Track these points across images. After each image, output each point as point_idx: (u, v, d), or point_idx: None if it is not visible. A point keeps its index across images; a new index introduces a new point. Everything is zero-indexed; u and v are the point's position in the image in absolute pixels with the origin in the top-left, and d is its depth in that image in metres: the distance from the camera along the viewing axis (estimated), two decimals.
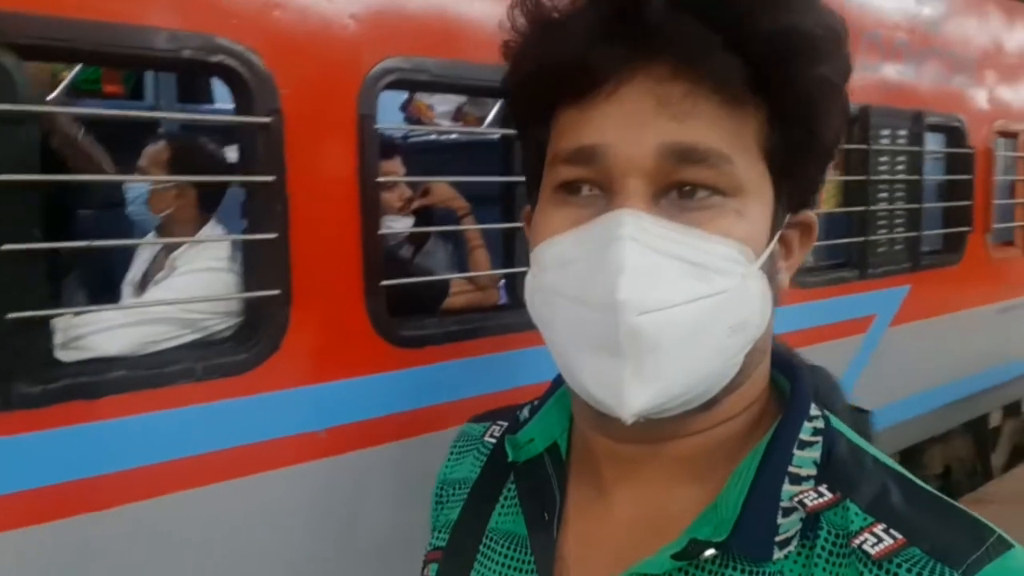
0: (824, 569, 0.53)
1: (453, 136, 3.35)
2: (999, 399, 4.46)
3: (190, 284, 1.78)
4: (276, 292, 1.75)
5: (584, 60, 0.53)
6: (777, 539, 0.54)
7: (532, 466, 0.66)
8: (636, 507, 0.61)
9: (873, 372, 3.38)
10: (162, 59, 1.64)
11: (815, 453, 0.57)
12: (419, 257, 2.31)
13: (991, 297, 4.19)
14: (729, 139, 0.53)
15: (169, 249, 1.96)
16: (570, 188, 0.57)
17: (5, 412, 1.46)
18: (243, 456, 1.74)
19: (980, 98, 4.11)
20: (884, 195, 3.40)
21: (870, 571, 0.51)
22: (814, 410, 0.60)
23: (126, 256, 2.23)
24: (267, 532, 1.79)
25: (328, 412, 1.85)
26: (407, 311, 2.05)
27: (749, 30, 0.51)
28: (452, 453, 0.78)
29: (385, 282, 1.92)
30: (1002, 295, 4.29)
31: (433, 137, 3.14)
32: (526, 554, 0.63)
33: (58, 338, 1.59)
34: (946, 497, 0.56)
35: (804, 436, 0.58)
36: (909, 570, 0.50)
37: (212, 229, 1.97)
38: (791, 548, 0.54)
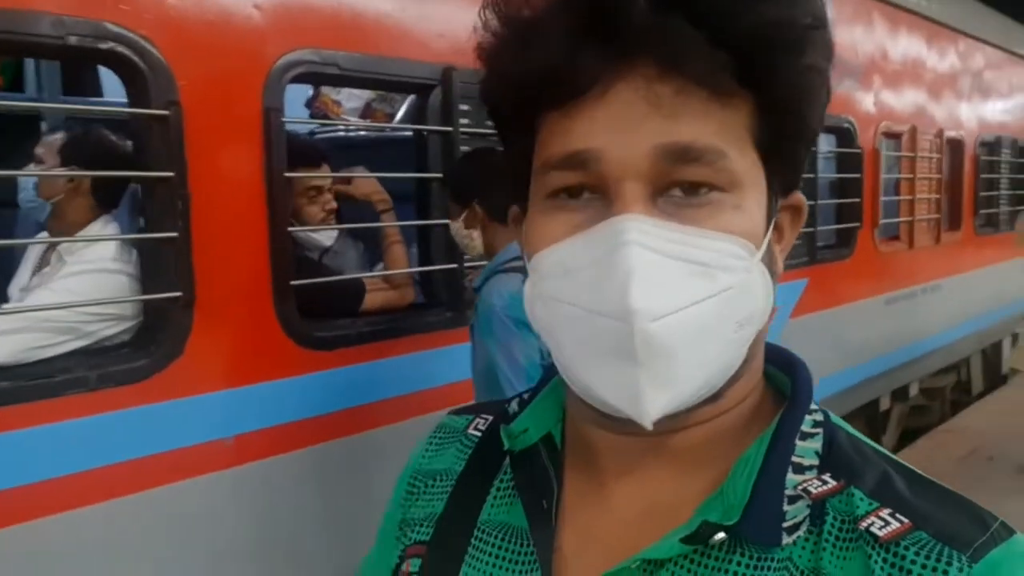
0: (832, 554, 0.53)
1: (362, 133, 3.28)
2: (888, 384, 4.72)
3: (77, 286, 1.66)
4: (177, 294, 1.66)
5: (569, 63, 0.52)
6: (785, 525, 0.54)
7: (527, 456, 0.65)
8: (636, 498, 0.60)
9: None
10: (47, 46, 1.53)
11: (816, 444, 0.58)
12: (327, 257, 2.23)
13: (880, 289, 4.44)
14: (721, 133, 0.53)
15: (56, 245, 1.82)
16: (563, 193, 0.55)
17: None
18: (144, 468, 1.64)
19: (867, 101, 4.34)
20: None
21: (878, 553, 0.52)
22: (813, 403, 0.61)
23: (14, 260, 2.07)
24: (174, 548, 1.69)
25: (235, 418, 1.77)
26: (323, 313, 1.98)
27: (734, 25, 0.51)
28: (431, 444, 0.75)
29: (295, 282, 1.85)
30: (889, 287, 4.54)
31: (342, 134, 3.06)
32: (522, 545, 0.62)
33: None
34: (947, 486, 0.56)
35: (805, 428, 0.59)
36: (917, 553, 0.51)
37: (104, 226, 1.84)
38: (800, 533, 0.54)
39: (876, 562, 0.51)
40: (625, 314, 0.51)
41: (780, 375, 0.63)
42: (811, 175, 3.68)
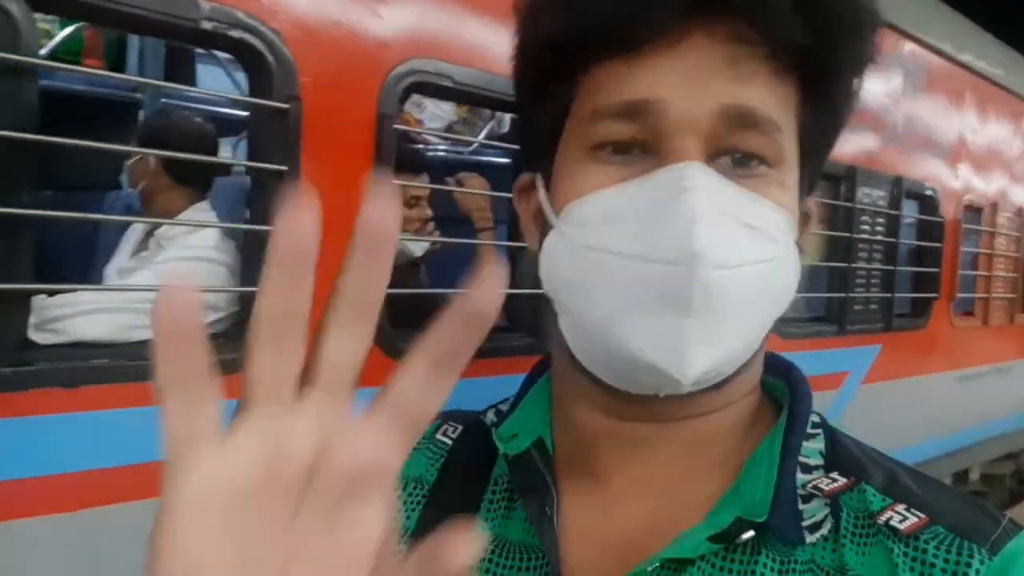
0: (852, 550, 0.52)
1: (443, 153, 3.27)
2: (951, 465, 4.52)
3: (177, 271, 1.64)
4: None
5: (642, 10, 0.50)
6: (805, 524, 0.53)
7: (521, 462, 0.62)
8: (641, 500, 0.58)
9: (846, 427, 3.38)
10: (179, 28, 1.53)
11: (819, 444, 0.58)
12: (423, 270, 2.20)
13: (951, 364, 4.28)
14: (778, 108, 0.52)
15: (153, 230, 1.81)
16: (611, 147, 0.53)
17: None
18: None
19: (951, 172, 4.24)
20: (864, 254, 3.44)
21: (899, 547, 0.51)
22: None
23: (114, 243, 2.07)
24: None
25: None
26: (408, 324, 1.94)
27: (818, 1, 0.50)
28: None
29: (389, 290, 1.81)
30: (961, 363, 4.38)
31: (431, 152, 3.06)
32: (523, 560, 0.58)
33: (33, 318, 1.44)
34: (947, 484, 0.57)
35: (806, 429, 0.59)
36: (937, 547, 0.50)
37: (200, 214, 1.82)
38: (824, 532, 0.53)
39: (898, 555, 0.51)
40: (688, 258, 0.48)
41: (773, 381, 0.63)
42: (892, 239, 3.58)
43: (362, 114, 1.76)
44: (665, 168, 0.51)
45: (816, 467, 0.57)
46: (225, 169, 1.99)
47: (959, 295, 4.25)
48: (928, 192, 3.97)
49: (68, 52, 2.57)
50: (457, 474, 0.65)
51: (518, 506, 0.61)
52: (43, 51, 2.46)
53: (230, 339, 1.65)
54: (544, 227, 0.58)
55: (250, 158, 1.69)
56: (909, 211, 3.94)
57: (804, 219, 0.60)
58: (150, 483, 1.29)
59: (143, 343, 1.55)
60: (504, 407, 0.68)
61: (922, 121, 3.89)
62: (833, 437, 0.59)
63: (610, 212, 0.52)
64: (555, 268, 0.56)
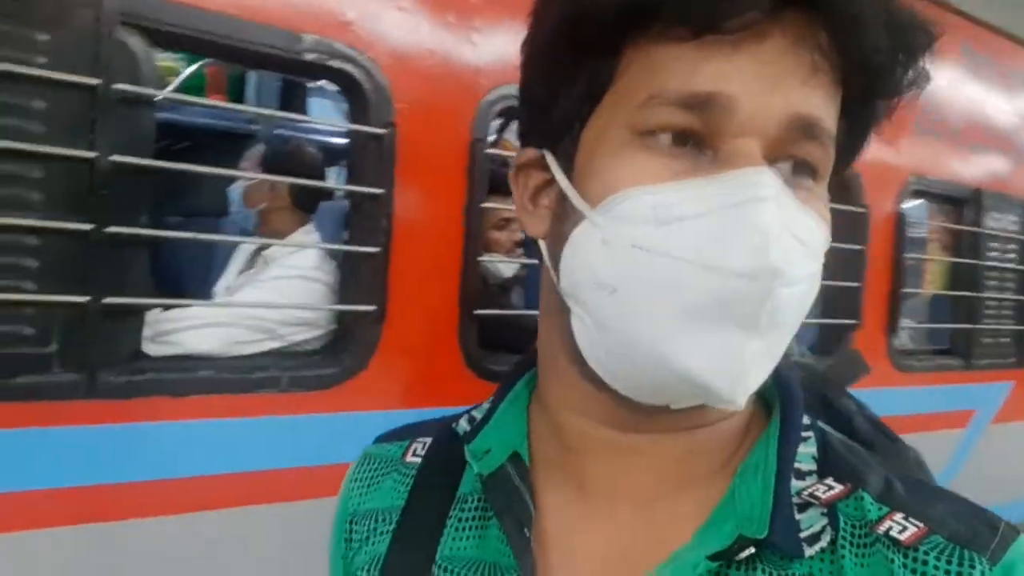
0: (852, 562, 0.50)
1: None
2: None
3: (278, 288, 1.72)
4: (371, 308, 1.68)
5: None
6: (803, 535, 0.51)
7: (496, 479, 0.58)
8: (629, 513, 0.55)
9: (972, 470, 3.13)
10: (283, 59, 1.62)
11: (812, 448, 0.55)
12: (512, 292, 2.22)
13: None
14: (833, 121, 0.50)
15: (261, 249, 1.92)
16: (666, 137, 0.48)
17: (90, 400, 1.40)
18: (319, 476, 1.64)
19: None
20: (994, 282, 3.20)
21: (899, 558, 0.49)
22: None
23: (221, 262, 2.21)
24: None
25: None
26: (496, 345, 1.95)
27: (896, 15, 0.47)
28: (358, 481, 0.67)
29: (479, 311, 1.83)
30: None
31: None
32: None
33: (147, 331, 1.54)
34: (944, 488, 0.55)
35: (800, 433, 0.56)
36: (938, 558, 0.49)
37: (306, 236, 1.92)
38: (823, 543, 0.51)
39: (899, 567, 0.49)
40: (763, 272, 0.45)
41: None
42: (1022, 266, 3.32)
43: (455, 139, 1.80)
44: (737, 171, 0.47)
45: (809, 472, 0.54)
46: (328, 193, 2.07)
47: None
48: None
49: (192, 88, 2.78)
50: (425, 496, 0.61)
51: (492, 524, 0.57)
52: (169, 88, 2.67)
53: (328, 355, 1.71)
54: (565, 215, 0.52)
55: (349, 182, 1.76)
56: None
57: None
58: (251, 491, 1.35)
59: (248, 356, 1.63)
60: (478, 414, 0.64)
61: None
62: (825, 440, 0.56)
63: (667, 210, 0.47)
64: (584, 265, 0.50)
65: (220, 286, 2.03)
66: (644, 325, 0.48)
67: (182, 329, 1.56)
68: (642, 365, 0.49)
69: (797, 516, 0.51)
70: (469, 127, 1.81)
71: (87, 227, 1.38)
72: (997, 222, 3.21)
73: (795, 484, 0.52)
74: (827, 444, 0.56)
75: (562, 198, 0.53)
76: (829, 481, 0.53)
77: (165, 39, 1.47)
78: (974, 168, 3.16)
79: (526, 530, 0.54)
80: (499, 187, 2.22)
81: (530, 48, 0.55)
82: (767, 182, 0.46)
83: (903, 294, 2.84)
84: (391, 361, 1.72)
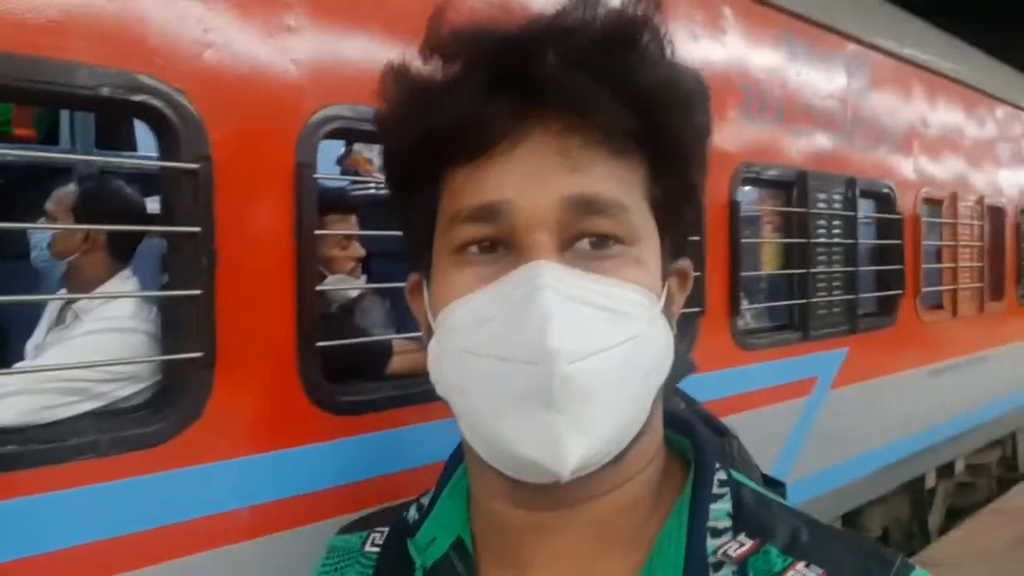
0: None
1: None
2: (934, 460, 4.50)
3: (91, 344, 1.59)
4: (198, 354, 1.58)
5: (480, 118, 0.54)
6: None
7: (440, 567, 0.64)
8: None
9: (817, 435, 3.35)
10: (80, 97, 1.49)
11: (727, 505, 0.59)
12: (357, 315, 2.17)
13: (923, 359, 4.27)
14: (623, 189, 0.56)
15: (72, 302, 1.77)
16: (474, 248, 0.56)
17: None
18: (156, 539, 1.53)
19: (907, 167, 4.25)
20: (823, 258, 3.43)
21: None
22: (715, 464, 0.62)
23: (34, 318, 2.02)
24: None
25: (255, 488, 1.67)
26: (349, 375, 1.89)
27: (634, 82, 0.54)
28: (323, 571, 0.72)
29: (321, 343, 1.76)
30: (933, 357, 4.37)
31: (373, 191, 3.02)
32: None
33: None
34: (846, 532, 0.63)
35: (713, 490, 0.60)
36: None
37: (122, 282, 1.78)
38: None
39: None
40: (544, 356, 0.51)
41: (678, 438, 0.64)
42: (851, 240, 3.57)
43: (279, 166, 1.72)
44: (518, 270, 0.54)
45: (725, 530, 0.58)
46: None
47: (925, 289, 4.25)
48: (885, 191, 3.97)
49: None
50: None
51: None
52: None
53: (154, 409, 1.60)
54: (429, 331, 0.61)
55: (163, 222, 1.65)
56: (866, 210, 3.94)
57: (681, 279, 0.64)
58: (61, 571, 1.23)
59: (59, 422, 1.50)
60: (425, 500, 0.69)
61: (873, 118, 3.90)
62: (740, 495, 0.60)
63: (476, 315, 0.55)
64: (440, 373, 0.59)
65: (30, 345, 1.86)
66: (483, 415, 0.55)
67: None
68: (492, 449, 0.56)
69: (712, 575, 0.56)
70: (293, 152, 1.74)
71: None
72: (823, 201, 3.44)
73: (711, 543, 0.57)
74: (741, 500, 0.60)
75: (427, 315, 0.62)
76: (741, 537, 0.58)
77: None
78: (799, 151, 3.36)
79: None
80: (339, 206, 2.16)
81: (386, 184, 0.64)
82: (543, 272, 0.52)
83: (742, 278, 2.98)
84: (227, 407, 1.63)
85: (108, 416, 1.57)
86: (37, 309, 2.00)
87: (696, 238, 2.72)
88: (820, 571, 0.55)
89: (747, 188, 3.23)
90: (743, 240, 2.98)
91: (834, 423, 3.50)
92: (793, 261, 3.31)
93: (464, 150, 0.56)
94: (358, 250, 2.13)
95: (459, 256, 0.57)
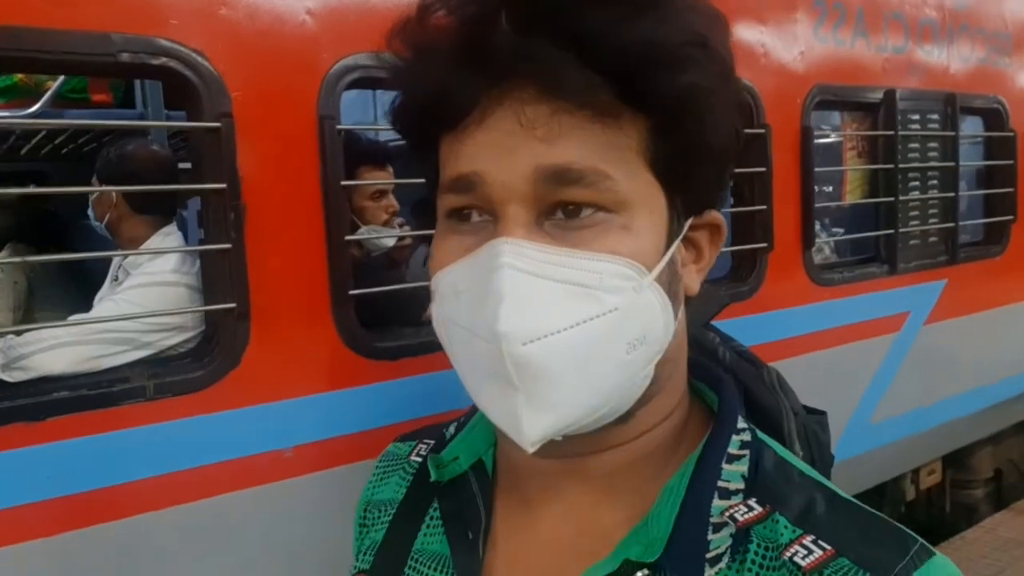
0: None
1: None
2: None
3: (137, 297, 1.70)
4: (232, 305, 1.66)
5: (449, 89, 0.54)
6: (708, 555, 0.54)
7: (456, 485, 0.66)
8: (563, 525, 0.61)
9: (910, 371, 3.17)
10: (102, 64, 1.57)
11: (743, 467, 0.58)
12: (402, 265, 2.21)
13: None
14: (604, 154, 0.53)
15: (123, 259, 1.89)
16: (459, 215, 0.57)
17: None
18: (201, 477, 1.65)
19: (1021, 78, 3.85)
20: (916, 184, 3.18)
21: None
22: (741, 422, 0.60)
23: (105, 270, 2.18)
24: (230, 557, 1.70)
25: (294, 430, 1.76)
26: (386, 320, 1.94)
27: (601, 46, 0.51)
28: (375, 474, 0.76)
29: (353, 291, 1.81)
30: None
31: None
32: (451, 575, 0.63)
33: (0, 359, 1.53)
34: (869, 508, 0.56)
35: (732, 450, 0.58)
36: None
37: (164, 239, 1.89)
38: (722, 565, 0.54)
39: None
40: (495, 337, 0.51)
41: (710, 392, 0.63)
42: (950, 163, 3.29)
43: (302, 119, 1.76)
44: (485, 245, 0.53)
45: (736, 492, 0.56)
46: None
47: None
48: (994, 106, 3.62)
49: (74, 91, 2.70)
50: (414, 495, 0.70)
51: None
52: (49, 92, 2.60)
53: (196, 357, 1.70)
54: None
55: (192, 180, 1.72)
56: (972, 129, 3.61)
57: (713, 232, 0.60)
58: (110, 508, 1.34)
59: (108, 370, 1.62)
60: (464, 419, 0.72)
61: (977, 25, 3.54)
62: (759, 459, 0.58)
63: (455, 287, 0.56)
64: (439, 332, 0.60)
65: (97, 299, 2.01)
66: (466, 380, 0.57)
67: (37, 352, 1.55)
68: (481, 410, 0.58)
69: (710, 536, 0.55)
70: (315, 105, 1.77)
71: None
72: (915, 122, 3.18)
73: (719, 503, 0.56)
74: (760, 464, 0.58)
75: None
76: (751, 502, 0.56)
77: None
78: (886, 68, 3.11)
79: (470, 533, 0.63)
80: (372, 158, 2.19)
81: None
82: (504, 250, 0.52)
83: (816, 209, 2.82)
84: (264, 354, 1.71)
85: (154, 364, 1.68)
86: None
87: (761, 169, 2.59)
88: (829, 548, 0.52)
89: (825, 112, 3.02)
90: (817, 169, 2.80)
91: (931, 359, 3.29)
92: (879, 189, 3.09)
93: (441, 122, 0.56)
94: (392, 203, 2.15)
95: (448, 223, 0.58)
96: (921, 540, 0.54)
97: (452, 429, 0.72)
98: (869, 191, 3.17)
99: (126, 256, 1.87)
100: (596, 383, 0.53)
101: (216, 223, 1.67)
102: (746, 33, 2.64)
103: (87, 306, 1.94)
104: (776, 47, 2.73)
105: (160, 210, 1.93)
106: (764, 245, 2.63)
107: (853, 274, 3.00)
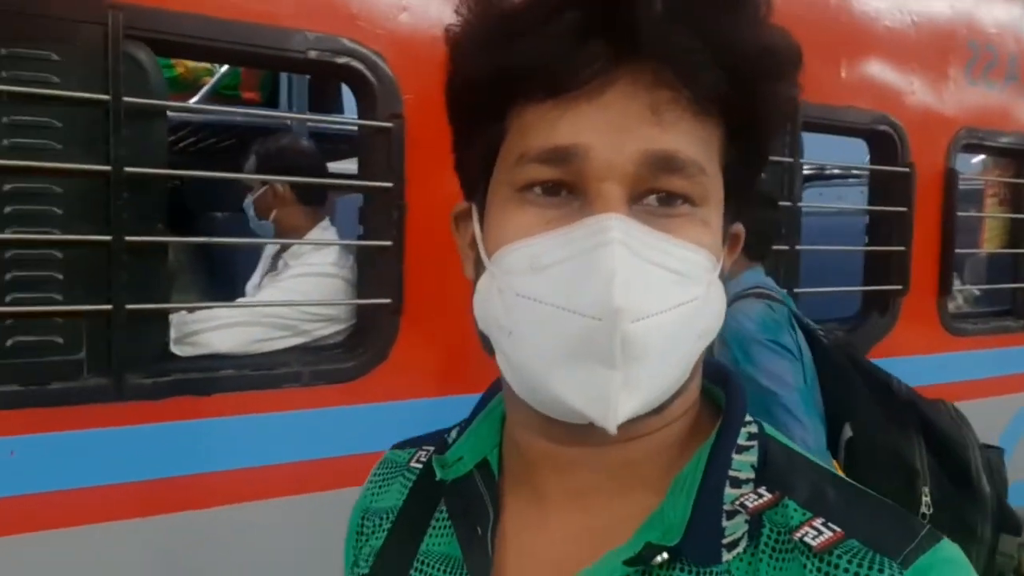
0: (769, 565, 0.54)
1: None
2: None
3: (300, 287, 1.77)
4: (387, 300, 1.70)
5: (570, 57, 0.52)
6: (724, 541, 0.55)
7: (462, 484, 0.65)
8: (576, 517, 0.60)
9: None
10: (287, 59, 1.64)
11: (752, 457, 0.59)
12: None
13: None
14: (702, 149, 0.54)
15: (284, 250, 1.96)
16: (544, 188, 0.55)
17: (119, 403, 1.47)
18: (346, 467, 1.69)
19: None
20: None
21: (812, 563, 0.52)
22: (747, 416, 0.62)
23: (254, 260, 2.27)
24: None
25: (433, 427, 1.78)
26: None
27: (738, 46, 0.52)
28: (373, 481, 0.75)
29: None
30: None
31: None
32: (461, 574, 0.62)
33: (173, 333, 1.60)
34: (876, 494, 0.58)
35: (740, 441, 0.59)
36: (850, 561, 0.51)
37: (323, 232, 1.95)
38: (739, 549, 0.54)
39: (810, 571, 0.52)
40: (607, 313, 0.50)
41: (715, 389, 0.64)
42: None
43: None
44: (586, 220, 0.52)
45: (746, 481, 0.57)
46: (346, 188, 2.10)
47: None
48: None
49: (227, 87, 2.84)
50: (417, 499, 0.69)
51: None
52: (204, 88, 2.73)
53: (348, 348, 1.75)
54: (478, 261, 0.59)
55: (359, 177, 1.78)
56: None
57: (732, 242, 0.62)
58: (268, 486, 1.38)
59: (270, 353, 1.68)
60: (464, 422, 0.71)
61: None
62: (767, 449, 0.60)
63: (536, 261, 0.53)
64: (487, 310, 0.57)
65: (249, 285, 2.09)
66: (531, 361, 0.54)
67: (207, 330, 1.62)
68: (536, 392, 0.55)
69: (725, 523, 0.55)
70: None
71: (106, 238, 1.44)
72: None
73: (730, 492, 0.56)
74: (768, 454, 0.59)
75: (477, 246, 0.60)
76: (761, 490, 0.57)
77: (168, 48, 1.51)
78: None
79: (479, 528, 0.61)
80: None
81: (447, 111, 0.63)
82: (612, 225, 0.51)
83: (956, 255, 2.72)
84: (411, 351, 1.74)
85: (310, 351, 1.73)
86: (255, 256, 2.24)
87: (903, 208, 2.51)
88: (838, 531, 0.53)
89: (970, 157, 2.91)
90: (960, 214, 2.70)
91: None
92: (1022, 240, 2.96)
93: (544, 88, 0.53)
94: None
95: (521, 195, 0.55)
96: (929, 526, 0.54)
97: (454, 434, 0.70)
98: (1009, 241, 3.04)
99: (287, 247, 1.94)
100: (675, 368, 0.54)
101: (378, 220, 1.72)
102: (896, 71, 2.58)
103: (216, 295, 2.02)
104: (925, 86, 2.66)
105: (320, 200, 2.00)
106: (900, 287, 2.55)
107: (988, 326, 2.87)
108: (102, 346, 1.45)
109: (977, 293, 3.30)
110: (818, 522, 0.54)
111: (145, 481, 1.50)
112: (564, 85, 0.52)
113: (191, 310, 1.65)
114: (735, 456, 0.58)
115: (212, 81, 2.71)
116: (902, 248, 2.54)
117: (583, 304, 0.51)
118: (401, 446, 0.76)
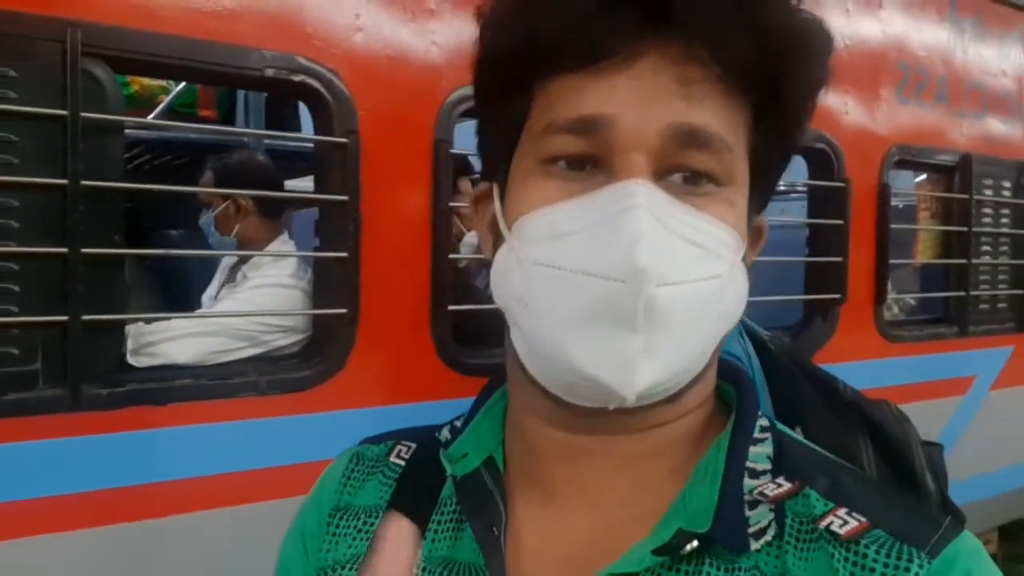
0: (795, 555, 0.53)
1: None
2: None
3: (258, 298, 1.80)
4: (343, 311, 1.74)
5: (599, 29, 0.51)
6: (750, 530, 0.53)
7: (470, 482, 0.62)
8: (589, 513, 0.58)
9: (973, 436, 3.14)
10: (248, 77, 1.68)
11: (767, 449, 0.58)
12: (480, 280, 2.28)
13: None
14: (730, 129, 0.53)
15: (243, 263, 2.00)
16: (563, 163, 0.53)
17: (74, 413, 1.49)
18: (303, 474, 1.72)
19: None
20: (988, 249, 3.20)
21: (840, 552, 0.51)
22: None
23: (208, 276, 2.29)
24: None
25: None
26: (474, 339, 2.01)
27: (771, 21, 0.51)
28: (349, 476, 0.69)
29: (452, 307, 1.89)
30: None
31: None
32: None
33: (130, 344, 1.62)
34: (894, 487, 0.58)
35: (755, 434, 0.59)
36: (878, 551, 0.51)
37: (282, 244, 2.00)
38: (767, 538, 0.53)
39: (839, 560, 0.51)
40: (631, 274, 0.49)
41: (724, 385, 0.63)
42: (1022, 231, 3.30)
43: (419, 141, 1.86)
44: (612, 186, 0.51)
45: (764, 472, 0.56)
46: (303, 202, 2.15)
47: None
48: None
49: (183, 105, 2.86)
50: (408, 497, 0.65)
51: (467, 526, 0.60)
52: (160, 106, 2.75)
53: (304, 358, 1.78)
54: (497, 239, 0.58)
55: (316, 191, 1.82)
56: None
57: (754, 236, 0.61)
58: (227, 494, 1.41)
59: (225, 364, 1.71)
60: (459, 423, 0.68)
61: None
62: (781, 441, 0.59)
63: (557, 228, 0.52)
64: (505, 282, 0.55)
65: (204, 298, 2.12)
66: (548, 330, 0.52)
67: (164, 340, 1.64)
68: (552, 364, 0.53)
69: (747, 513, 0.54)
70: (431, 129, 1.87)
71: (63, 250, 1.46)
72: (989, 187, 3.20)
73: (748, 483, 0.55)
74: (783, 445, 0.58)
75: (496, 223, 0.59)
76: (780, 480, 0.56)
77: (126, 65, 1.54)
78: (963, 134, 3.15)
79: (495, 529, 0.58)
80: (469, 169, 2.28)
81: (473, 90, 0.62)
82: (636, 191, 0.50)
83: (890, 266, 2.85)
84: (367, 361, 1.78)
85: (267, 361, 1.76)
86: (210, 273, 2.27)
87: (839, 221, 2.64)
88: (863, 520, 0.52)
89: (902, 172, 3.06)
90: (892, 226, 2.84)
91: (995, 426, 3.26)
92: (952, 251, 3.11)
93: (572, 58, 0.51)
94: None
95: (545, 167, 0.54)
96: (950, 516, 0.54)
97: (446, 432, 0.67)
98: (941, 253, 3.19)
99: (246, 259, 1.98)
100: (693, 344, 0.53)
101: (334, 232, 1.76)
102: (831, 92, 2.71)
103: (171, 310, 2.04)
104: (859, 106, 2.79)
105: (279, 213, 2.04)
106: (838, 296, 2.66)
107: (923, 333, 3.01)
108: (58, 357, 1.47)
109: (912, 302, 3.46)
110: (842, 511, 0.53)
111: (101, 491, 1.52)
112: (592, 55, 0.51)
113: (148, 321, 1.67)
114: (751, 448, 0.57)
115: (168, 99, 2.73)
116: (839, 259, 2.65)
117: (606, 267, 0.49)
118: (373, 441, 0.71)
